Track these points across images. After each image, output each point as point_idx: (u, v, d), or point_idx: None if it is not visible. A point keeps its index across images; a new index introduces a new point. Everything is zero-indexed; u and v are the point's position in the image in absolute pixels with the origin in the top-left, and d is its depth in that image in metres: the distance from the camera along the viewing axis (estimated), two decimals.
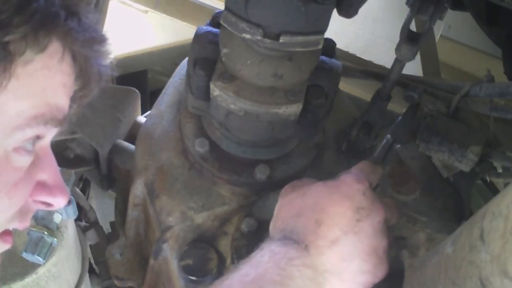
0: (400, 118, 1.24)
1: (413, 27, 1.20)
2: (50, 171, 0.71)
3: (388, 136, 1.17)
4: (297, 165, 1.39)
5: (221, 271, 1.24)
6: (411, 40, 1.18)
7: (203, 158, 1.36)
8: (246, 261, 0.91)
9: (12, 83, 0.58)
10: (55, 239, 1.24)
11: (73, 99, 0.72)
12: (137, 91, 1.72)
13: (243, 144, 1.35)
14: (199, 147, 1.35)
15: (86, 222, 1.67)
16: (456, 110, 1.38)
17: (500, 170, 1.39)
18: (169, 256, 1.30)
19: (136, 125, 1.70)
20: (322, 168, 1.45)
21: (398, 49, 1.20)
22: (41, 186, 0.70)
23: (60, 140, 1.58)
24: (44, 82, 0.63)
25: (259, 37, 1.03)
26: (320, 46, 1.09)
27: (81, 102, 0.75)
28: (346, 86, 1.74)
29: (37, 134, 0.65)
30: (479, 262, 0.65)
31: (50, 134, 0.69)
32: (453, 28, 2.35)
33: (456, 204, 1.44)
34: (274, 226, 1.03)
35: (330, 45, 1.27)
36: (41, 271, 1.26)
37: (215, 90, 1.17)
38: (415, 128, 1.45)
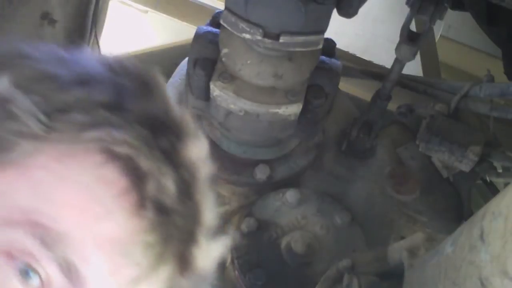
0: None
1: (413, 27, 1.20)
2: None
3: None
4: (297, 165, 1.39)
5: (221, 271, 1.24)
6: (411, 40, 1.18)
7: None
8: None
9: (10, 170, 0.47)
10: None
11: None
12: None
13: (243, 144, 1.35)
14: None
15: None
16: (456, 110, 1.38)
17: (500, 170, 1.40)
18: None
19: None
20: (322, 168, 1.45)
21: (398, 49, 1.20)
22: None
23: None
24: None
25: (259, 37, 1.03)
26: (320, 46, 1.09)
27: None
28: (346, 86, 1.74)
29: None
30: (479, 262, 0.65)
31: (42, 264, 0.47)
32: (453, 28, 2.35)
33: (456, 204, 1.44)
34: None
35: (330, 45, 1.27)
36: None
37: (215, 90, 1.17)
38: (415, 128, 1.46)
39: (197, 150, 0.57)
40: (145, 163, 0.49)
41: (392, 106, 1.41)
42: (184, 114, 0.56)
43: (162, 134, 0.51)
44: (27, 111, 0.48)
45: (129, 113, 0.50)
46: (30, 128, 0.47)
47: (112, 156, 0.49)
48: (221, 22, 1.07)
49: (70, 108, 0.49)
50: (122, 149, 0.49)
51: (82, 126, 0.48)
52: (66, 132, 0.48)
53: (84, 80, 0.51)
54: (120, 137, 0.49)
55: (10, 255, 0.46)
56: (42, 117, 0.48)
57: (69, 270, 0.47)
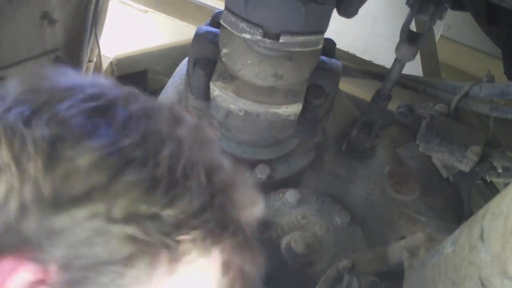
0: None
1: (413, 27, 1.20)
2: None
3: None
4: (297, 165, 1.39)
5: None
6: (411, 40, 1.18)
7: None
8: None
9: (173, 278, 0.58)
10: None
11: None
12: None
13: (243, 144, 1.35)
14: None
15: None
16: (456, 110, 1.38)
17: (500, 170, 1.39)
18: None
19: None
20: (322, 168, 1.45)
21: (398, 49, 1.20)
22: None
23: None
24: (197, 282, 0.61)
25: (259, 37, 1.03)
26: (320, 46, 1.09)
27: None
28: (346, 86, 1.74)
29: None
30: (479, 262, 0.65)
31: None
32: (453, 28, 2.34)
33: (456, 204, 1.44)
34: None
35: (330, 45, 1.27)
36: None
37: (215, 90, 1.17)
38: (415, 128, 1.46)
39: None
40: None
41: (392, 106, 1.41)
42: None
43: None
44: None
45: None
46: None
47: None
48: (221, 22, 1.07)
49: None
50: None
51: None
52: None
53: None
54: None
55: None
56: None
57: None
